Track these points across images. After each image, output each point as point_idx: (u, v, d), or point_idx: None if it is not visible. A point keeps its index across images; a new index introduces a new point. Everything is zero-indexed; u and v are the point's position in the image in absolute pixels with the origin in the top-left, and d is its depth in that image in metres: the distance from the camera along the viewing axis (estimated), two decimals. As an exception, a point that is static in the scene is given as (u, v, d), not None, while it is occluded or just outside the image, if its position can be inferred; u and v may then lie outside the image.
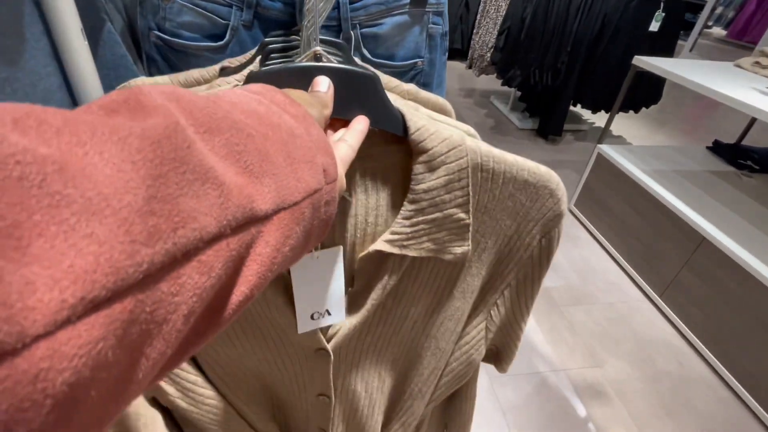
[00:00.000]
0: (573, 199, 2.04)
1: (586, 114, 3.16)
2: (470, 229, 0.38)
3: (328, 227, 0.23)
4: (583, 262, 1.75)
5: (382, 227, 0.41)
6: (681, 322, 1.45)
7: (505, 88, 2.88)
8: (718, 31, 7.13)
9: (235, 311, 0.17)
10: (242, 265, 0.16)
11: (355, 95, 0.34)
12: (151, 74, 0.51)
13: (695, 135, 3.17)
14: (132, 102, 0.14)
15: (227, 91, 0.20)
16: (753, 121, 1.98)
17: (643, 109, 2.67)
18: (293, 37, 0.46)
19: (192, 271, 0.14)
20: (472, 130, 0.46)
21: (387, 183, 0.40)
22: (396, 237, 0.37)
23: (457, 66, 4.09)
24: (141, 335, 0.12)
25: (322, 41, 0.42)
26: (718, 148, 1.88)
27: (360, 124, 0.32)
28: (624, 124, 3.14)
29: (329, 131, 0.32)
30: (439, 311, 0.44)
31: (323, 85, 0.29)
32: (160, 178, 0.13)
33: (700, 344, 1.38)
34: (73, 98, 0.49)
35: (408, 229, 0.37)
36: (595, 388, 1.26)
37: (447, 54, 0.67)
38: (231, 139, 0.16)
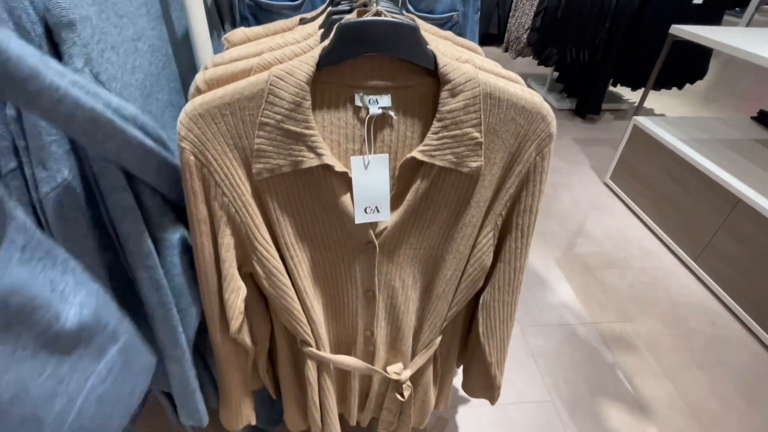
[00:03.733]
0: (609, 173, 2.06)
1: (626, 94, 3.12)
2: (482, 147, 0.49)
3: None
4: (618, 233, 1.79)
5: (417, 141, 0.52)
6: (716, 284, 1.47)
7: (542, 70, 2.91)
8: (781, 6, 6.63)
9: None
10: None
11: (403, 40, 0.45)
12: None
13: (745, 111, 3.04)
14: None
15: None
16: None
17: (688, 85, 2.61)
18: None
19: None
20: (506, 72, 0.57)
21: (422, 105, 0.51)
22: (426, 148, 0.48)
23: (494, 51, 4.11)
24: None
25: (378, -6, 0.55)
26: (763, 118, 1.85)
27: None
28: (667, 102, 3.06)
29: None
30: (460, 218, 0.55)
31: None
32: None
33: (735, 304, 1.40)
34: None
35: (435, 142, 0.48)
36: (624, 341, 1.32)
37: (479, 13, 0.78)
38: None
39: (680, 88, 2.59)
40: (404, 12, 0.65)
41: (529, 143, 0.51)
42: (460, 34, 0.70)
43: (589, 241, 1.73)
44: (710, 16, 2.37)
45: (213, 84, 0.47)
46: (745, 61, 1.37)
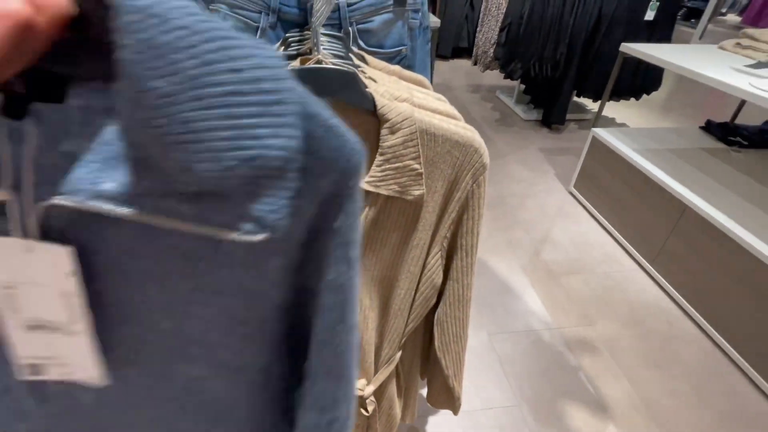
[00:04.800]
0: (572, 181, 2.15)
1: (590, 104, 3.26)
2: (423, 176, 0.54)
3: None
4: (581, 238, 1.87)
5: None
6: (670, 286, 1.56)
7: (511, 82, 3.02)
8: (733, 17, 7.05)
9: None
10: None
11: (344, 86, 0.49)
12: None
13: (699, 120, 3.22)
14: None
15: None
16: (744, 100, 2.06)
17: (645, 96, 2.76)
18: (306, 32, 0.63)
19: None
20: (445, 101, 0.62)
21: (366, 141, 0.55)
22: (372, 179, 0.53)
23: (463, 63, 4.23)
24: None
25: (327, 35, 0.59)
26: (710, 127, 1.98)
27: None
28: (627, 112, 3.22)
29: None
30: (409, 241, 0.60)
31: None
32: None
33: (687, 305, 1.49)
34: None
35: (379, 174, 0.53)
36: (587, 343, 1.39)
37: (430, 44, 0.83)
38: None
39: (637, 99, 2.74)
40: (356, 48, 0.69)
41: (465, 172, 0.56)
42: (409, 66, 0.75)
43: (554, 247, 1.81)
44: (661, 31, 2.52)
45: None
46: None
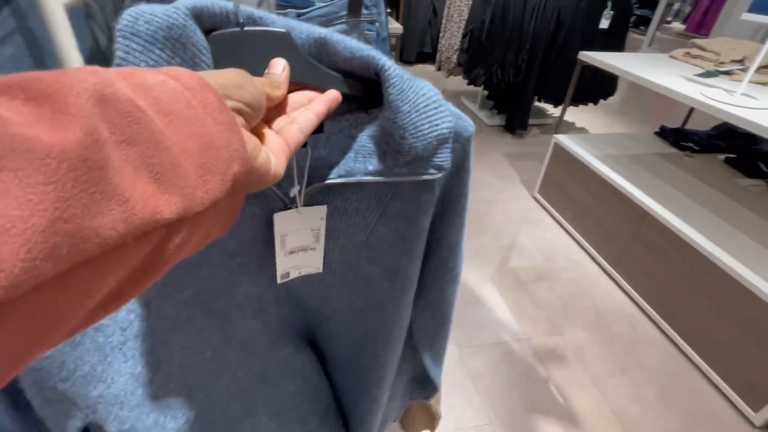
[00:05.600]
0: (537, 187, 2.18)
1: (551, 109, 3.34)
2: None
3: (230, 223, 0.24)
4: (547, 245, 1.89)
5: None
6: (633, 291, 1.59)
7: (474, 87, 3.04)
8: (678, 25, 7.48)
9: (128, 298, 0.19)
10: (142, 264, 0.18)
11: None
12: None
13: (653, 124, 3.36)
14: (59, 99, 0.14)
15: (161, 82, 0.20)
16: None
17: (602, 101, 2.85)
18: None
19: (89, 273, 0.15)
20: None
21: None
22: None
23: (428, 69, 4.24)
24: (35, 325, 0.14)
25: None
26: (664, 133, 2.05)
27: (319, 106, 0.31)
28: (587, 116, 3.32)
29: (285, 109, 0.32)
30: None
31: (278, 67, 0.30)
32: (70, 200, 0.13)
33: (650, 309, 1.52)
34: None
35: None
36: (555, 353, 1.38)
37: (389, 55, 0.78)
38: (147, 151, 0.17)
39: (595, 104, 2.82)
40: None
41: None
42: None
43: (520, 255, 1.81)
44: (615, 38, 2.61)
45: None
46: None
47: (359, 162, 0.35)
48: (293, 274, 0.44)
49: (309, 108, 0.31)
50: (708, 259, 1.29)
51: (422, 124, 0.33)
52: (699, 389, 1.30)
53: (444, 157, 0.35)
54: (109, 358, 0.36)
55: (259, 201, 0.37)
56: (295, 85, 0.32)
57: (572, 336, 1.45)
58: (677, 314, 1.43)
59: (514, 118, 2.88)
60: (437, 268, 0.48)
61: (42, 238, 0.12)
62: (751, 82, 1.41)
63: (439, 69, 3.20)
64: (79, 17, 0.70)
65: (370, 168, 0.35)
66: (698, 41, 1.77)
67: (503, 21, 2.50)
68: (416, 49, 4.24)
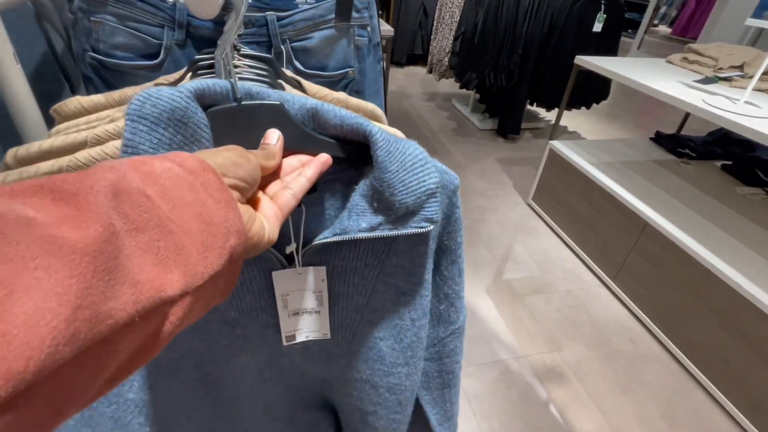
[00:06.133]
0: (531, 194, 2.13)
1: (543, 112, 3.30)
2: None
3: (229, 291, 0.26)
4: (542, 254, 1.83)
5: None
6: (632, 303, 1.55)
7: (466, 91, 2.99)
8: (664, 28, 7.55)
9: (134, 370, 0.20)
10: (148, 338, 0.19)
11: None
12: (88, 93, 0.53)
13: (644, 128, 3.35)
14: (81, 198, 0.17)
15: (167, 170, 0.22)
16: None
17: (595, 105, 2.82)
18: (221, 54, 0.49)
19: (101, 352, 0.16)
20: (398, 133, 0.51)
21: None
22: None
23: (419, 71, 4.18)
24: (53, 398, 0.15)
25: (247, 56, 0.46)
26: (659, 139, 2.01)
27: (311, 171, 0.34)
28: (578, 120, 3.29)
29: (279, 174, 0.34)
30: None
31: (273, 138, 0.32)
32: (89, 289, 0.15)
33: (650, 322, 1.48)
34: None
35: None
36: (555, 372, 1.33)
37: (382, 63, 0.71)
38: (154, 236, 0.19)
39: (588, 108, 2.78)
40: (290, 71, 0.56)
41: None
42: (358, 92, 0.63)
43: (516, 265, 1.75)
44: (608, 42, 2.58)
45: None
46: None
47: (352, 220, 0.36)
48: (300, 338, 0.44)
49: (302, 173, 0.33)
50: (710, 272, 1.25)
51: (410, 181, 0.34)
52: (703, 408, 1.25)
53: (433, 210, 0.36)
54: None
55: (256, 263, 0.38)
56: (289, 151, 0.34)
57: (571, 352, 1.40)
58: (678, 328, 1.38)
59: (507, 122, 2.83)
60: (439, 323, 0.47)
61: (65, 325, 0.14)
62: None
63: (430, 72, 3.14)
64: (28, 18, 0.61)
65: (364, 225, 0.35)
66: (694, 46, 1.73)
67: (495, 24, 2.44)
68: (407, 51, 4.18)
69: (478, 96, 3.11)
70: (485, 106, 3.10)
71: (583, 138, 3.02)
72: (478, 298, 1.57)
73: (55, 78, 0.65)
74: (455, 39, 2.75)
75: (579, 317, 1.53)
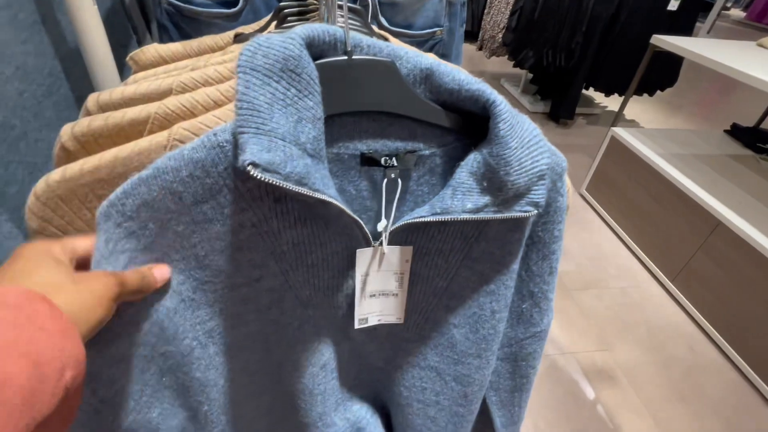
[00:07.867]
0: (585, 184, 2.00)
1: (598, 97, 3.10)
2: None
3: (71, 419, 0.24)
4: (594, 249, 1.73)
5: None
6: (693, 308, 1.44)
7: (516, 70, 2.83)
8: (737, 12, 6.93)
9: None
10: None
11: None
12: (162, 41, 0.50)
13: (712, 119, 3.10)
14: None
15: None
16: (773, 103, 1.92)
17: (658, 92, 2.61)
18: (309, 0, 0.44)
19: None
20: None
21: None
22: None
23: (466, 48, 4.00)
24: None
25: (339, 6, 0.40)
26: (736, 132, 1.84)
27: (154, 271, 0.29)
28: (637, 108, 3.07)
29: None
30: None
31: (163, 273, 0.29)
32: None
33: (712, 329, 1.37)
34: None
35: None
36: (604, 372, 1.26)
37: (464, 25, 0.65)
38: None
39: (651, 95, 2.58)
40: (375, 27, 0.51)
41: None
42: (444, 55, 0.56)
43: (566, 258, 1.66)
44: (683, 23, 2.35)
45: (88, 143, 0.31)
46: (705, 69, 1.33)
47: (457, 199, 0.32)
48: (372, 321, 0.40)
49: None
50: (793, 282, 1.13)
51: (526, 161, 0.31)
52: (769, 427, 1.16)
53: (540, 194, 0.33)
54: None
55: (341, 238, 0.34)
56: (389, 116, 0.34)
57: (622, 353, 1.32)
58: (746, 339, 1.27)
59: (560, 105, 2.67)
60: (519, 323, 0.43)
61: None
62: None
63: (480, 48, 2.98)
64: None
65: (469, 206, 0.32)
66: (794, 28, 1.54)
67: (560, -2, 2.27)
68: (455, 27, 4.01)
69: (530, 76, 2.95)
70: (537, 88, 2.94)
71: (642, 127, 2.82)
72: (524, 289, 1.50)
73: (123, 27, 0.62)
74: (512, 14, 2.59)
75: (632, 317, 1.44)
